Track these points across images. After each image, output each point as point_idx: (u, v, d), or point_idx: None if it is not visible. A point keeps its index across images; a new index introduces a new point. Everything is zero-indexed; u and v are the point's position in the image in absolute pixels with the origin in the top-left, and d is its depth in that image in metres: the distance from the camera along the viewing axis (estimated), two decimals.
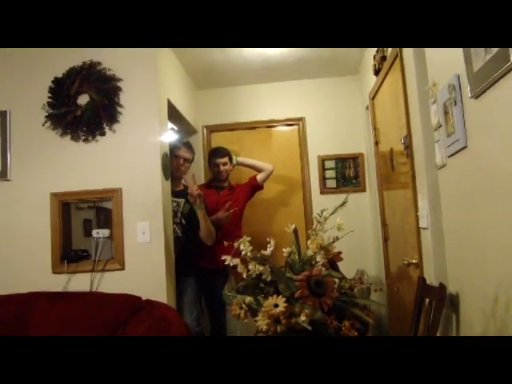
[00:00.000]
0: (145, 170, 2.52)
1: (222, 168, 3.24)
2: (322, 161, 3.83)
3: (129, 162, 2.53)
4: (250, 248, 1.37)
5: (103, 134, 2.57)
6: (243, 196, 3.34)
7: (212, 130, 3.96)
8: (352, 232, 1.50)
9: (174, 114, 3.13)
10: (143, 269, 2.46)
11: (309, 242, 1.42)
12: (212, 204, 3.04)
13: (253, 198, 3.49)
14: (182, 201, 2.78)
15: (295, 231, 1.48)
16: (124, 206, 2.51)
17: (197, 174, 3.06)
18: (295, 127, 3.92)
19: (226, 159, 3.26)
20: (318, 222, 1.44)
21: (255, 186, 3.39)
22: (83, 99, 2.58)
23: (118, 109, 2.57)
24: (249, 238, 1.44)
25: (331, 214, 1.45)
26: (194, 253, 2.85)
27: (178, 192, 2.80)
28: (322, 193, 3.80)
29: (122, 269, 2.48)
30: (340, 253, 1.43)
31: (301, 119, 3.88)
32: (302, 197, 3.85)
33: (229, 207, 3.01)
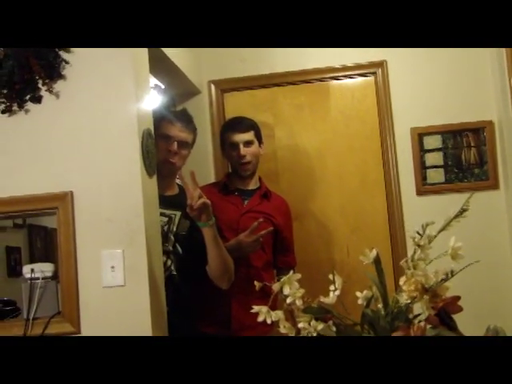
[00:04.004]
0: (112, 161, 2.54)
1: (243, 151, 3.23)
2: (420, 137, 3.82)
3: (84, 147, 2.57)
4: (301, 292, 1.39)
5: (38, 99, 2.59)
6: (283, 216, 3.37)
7: (225, 88, 4.00)
8: (478, 262, 1.50)
9: (160, 63, 3.17)
10: (113, 332, 2.49)
11: (402, 280, 1.43)
12: (230, 220, 3.07)
13: (299, 207, 3.49)
14: (176, 214, 2.82)
15: (377, 262, 1.50)
16: (77, 223, 2.54)
17: (202, 168, 3.06)
18: (370, 79, 3.93)
19: (250, 135, 3.28)
20: (418, 245, 1.45)
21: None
22: None
23: (63, 55, 2.59)
24: (298, 276, 1.45)
25: (440, 232, 1.46)
26: (197, 306, 2.90)
27: (170, 199, 2.84)
28: (420, 193, 3.80)
29: (77, 332, 2.53)
30: (458, 299, 1.43)
31: (380, 64, 3.89)
32: (384, 201, 3.85)
33: (259, 226, 3.02)
